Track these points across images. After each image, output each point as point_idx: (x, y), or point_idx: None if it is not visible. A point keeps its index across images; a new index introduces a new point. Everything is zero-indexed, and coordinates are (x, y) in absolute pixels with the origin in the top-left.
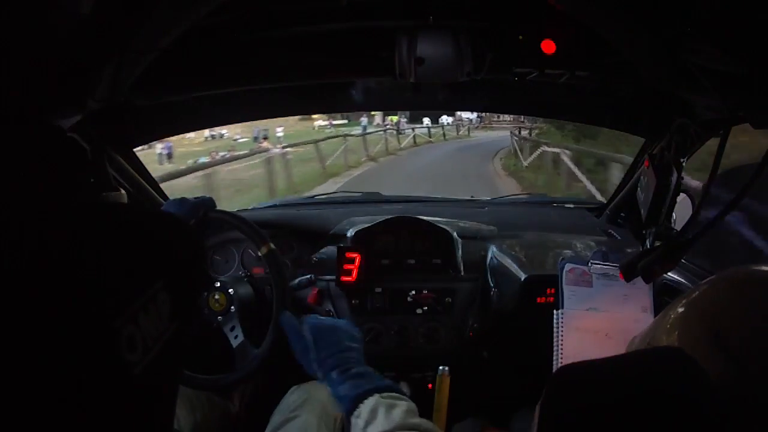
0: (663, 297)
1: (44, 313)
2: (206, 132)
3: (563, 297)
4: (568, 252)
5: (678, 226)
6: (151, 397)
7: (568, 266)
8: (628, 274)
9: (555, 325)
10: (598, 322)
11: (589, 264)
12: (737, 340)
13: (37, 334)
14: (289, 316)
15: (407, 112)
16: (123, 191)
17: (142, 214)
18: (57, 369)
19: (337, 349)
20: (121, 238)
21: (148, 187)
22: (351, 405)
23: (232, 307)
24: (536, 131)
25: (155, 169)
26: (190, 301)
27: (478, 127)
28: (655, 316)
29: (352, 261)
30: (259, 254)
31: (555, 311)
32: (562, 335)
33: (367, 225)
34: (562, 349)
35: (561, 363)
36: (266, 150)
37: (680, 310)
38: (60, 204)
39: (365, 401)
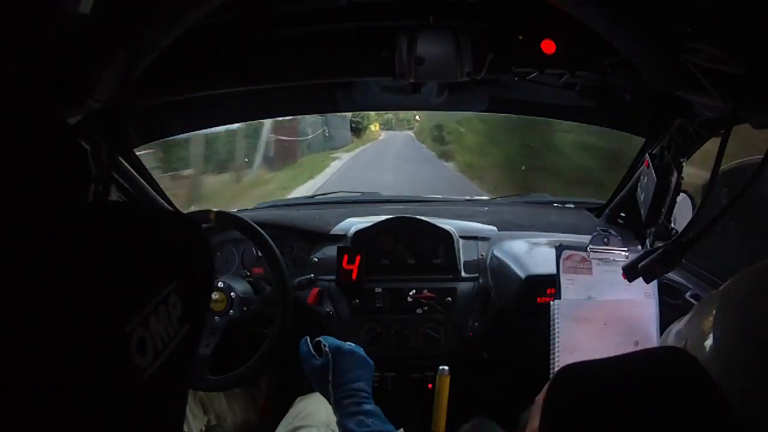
0: (663, 297)
1: (52, 316)
2: None
3: (560, 286)
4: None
5: (678, 226)
6: (160, 401)
7: (565, 253)
8: (631, 275)
9: (551, 316)
10: (595, 311)
11: (588, 249)
12: None
13: (45, 338)
14: (305, 340)
15: None
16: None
17: (154, 213)
18: (65, 374)
19: (354, 377)
20: (134, 239)
21: (147, 187)
22: None
23: (231, 310)
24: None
25: None
26: (201, 303)
27: None
28: (657, 304)
29: (352, 261)
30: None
31: (551, 302)
32: (558, 327)
33: (367, 225)
34: (558, 341)
35: (558, 356)
36: None
37: (718, 311)
38: (70, 203)
39: None
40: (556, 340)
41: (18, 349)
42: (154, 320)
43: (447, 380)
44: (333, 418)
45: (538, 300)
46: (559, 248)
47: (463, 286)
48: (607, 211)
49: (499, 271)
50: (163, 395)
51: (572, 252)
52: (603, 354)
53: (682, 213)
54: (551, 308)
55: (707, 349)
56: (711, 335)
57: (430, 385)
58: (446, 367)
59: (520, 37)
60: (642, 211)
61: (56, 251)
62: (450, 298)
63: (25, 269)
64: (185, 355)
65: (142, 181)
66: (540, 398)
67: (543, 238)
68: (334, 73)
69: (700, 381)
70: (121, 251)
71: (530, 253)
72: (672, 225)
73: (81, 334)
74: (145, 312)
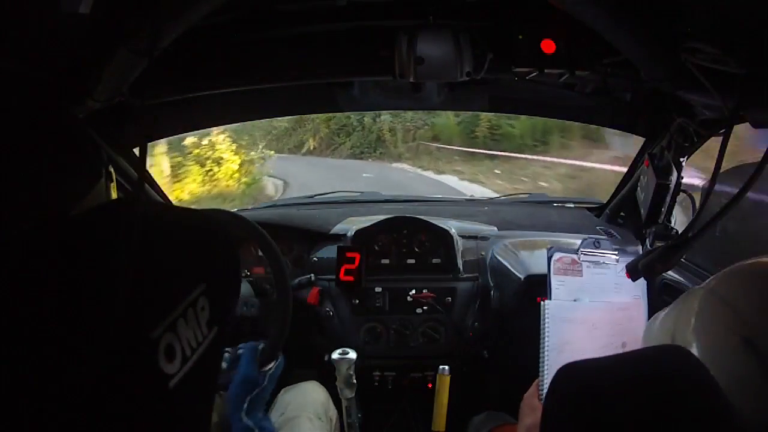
0: (663, 296)
1: (79, 323)
2: None
3: (551, 287)
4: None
5: (678, 226)
6: (187, 407)
7: (556, 255)
8: (634, 274)
9: (542, 316)
10: (585, 313)
11: (579, 252)
12: None
13: (72, 345)
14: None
15: None
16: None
17: (182, 215)
18: (92, 382)
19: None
20: (164, 241)
21: (148, 187)
22: None
23: None
24: None
25: None
26: (229, 305)
27: None
28: (649, 308)
29: (352, 261)
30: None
31: (542, 302)
32: (548, 326)
33: (367, 225)
34: (547, 340)
35: (547, 355)
36: None
37: (703, 308)
38: (97, 205)
39: None
40: (546, 339)
41: (39, 355)
42: (182, 324)
43: (447, 380)
44: (322, 408)
45: (538, 300)
46: (550, 250)
47: (462, 286)
48: (607, 210)
49: (499, 270)
50: (190, 399)
51: (563, 254)
52: (590, 353)
53: (682, 213)
54: (542, 308)
55: (693, 346)
56: (696, 332)
57: (430, 385)
58: (446, 367)
59: (520, 37)
60: (642, 210)
61: (78, 254)
62: (450, 298)
63: (47, 274)
64: (212, 359)
65: (143, 182)
66: (529, 395)
67: (543, 238)
68: (334, 73)
69: (702, 381)
70: (150, 254)
71: (530, 253)
72: (672, 225)
73: (105, 343)
74: (174, 316)
